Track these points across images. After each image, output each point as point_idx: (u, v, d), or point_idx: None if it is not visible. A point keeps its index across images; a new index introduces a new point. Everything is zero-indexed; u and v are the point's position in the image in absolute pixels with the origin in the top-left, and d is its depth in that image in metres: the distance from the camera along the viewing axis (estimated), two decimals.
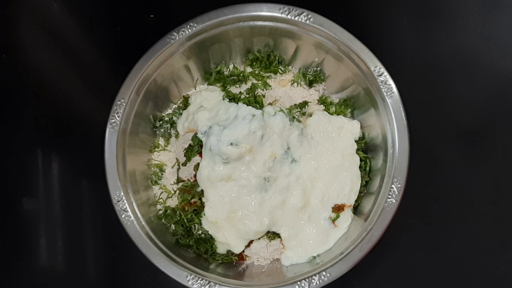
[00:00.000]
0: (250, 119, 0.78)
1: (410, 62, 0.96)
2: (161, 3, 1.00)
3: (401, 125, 0.77)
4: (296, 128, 0.82)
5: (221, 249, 0.84)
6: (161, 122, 0.90)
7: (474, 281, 0.89)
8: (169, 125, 0.90)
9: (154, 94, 0.85)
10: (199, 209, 0.84)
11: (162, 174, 0.89)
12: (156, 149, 0.89)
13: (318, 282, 0.73)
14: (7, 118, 0.97)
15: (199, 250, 0.83)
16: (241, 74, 0.91)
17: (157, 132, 0.90)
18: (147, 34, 0.96)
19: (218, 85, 0.91)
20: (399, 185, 0.76)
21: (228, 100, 0.85)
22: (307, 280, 0.73)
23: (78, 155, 0.94)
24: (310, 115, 0.87)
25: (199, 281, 0.73)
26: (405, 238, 0.90)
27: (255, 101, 0.86)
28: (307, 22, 0.80)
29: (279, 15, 0.80)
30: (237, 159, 0.78)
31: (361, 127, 0.86)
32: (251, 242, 0.84)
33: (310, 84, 0.91)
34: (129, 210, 0.77)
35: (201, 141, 0.81)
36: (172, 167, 0.88)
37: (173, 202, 0.87)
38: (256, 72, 0.91)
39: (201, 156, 0.82)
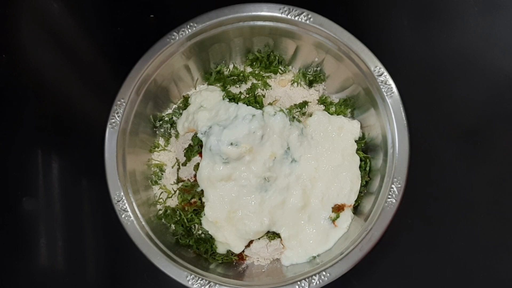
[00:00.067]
0: (250, 119, 0.78)
1: (410, 62, 0.96)
2: (161, 3, 1.00)
3: (401, 125, 0.77)
4: (296, 128, 0.82)
5: (221, 249, 0.84)
6: (161, 122, 0.90)
7: (474, 281, 0.89)
8: (169, 125, 0.90)
9: (154, 94, 0.85)
10: (199, 209, 0.84)
11: (162, 174, 0.89)
12: (156, 149, 0.89)
13: (318, 282, 0.73)
14: (7, 118, 0.97)
15: (199, 250, 0.83)
16: (241, 74, 0.91)
17: (157, 132, 0.90)
18: (147, 34, 0.96)
19: (218, 85, 0.91)
20: (399, 185, 0.76)
21: (228, 100, 0.85)
22: (307, 280, 0.73)
23: (78, 155, 0.94)
24: (310, 115, 0.87)
25: (199, 281, 0.73)
26: (405, 238, 0.90)
27: (255, 101, 0.86)
28: (307, 22, 0.80)
29: (279, 15, 0.80)
30: (237, 159, 0.78)
31: (361, 127, 0.86)
32: (251, 242, 0.84)
33: (310, 84, 0.91)
34: (129, 210, 0.77)
35: (201, 141, 0.81)
36: (172, 167, 0.88)
37: (173, 202, 0.87)
38: (256, 72, 0.91)
39: (201, 156, 0.82)
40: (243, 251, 0.83)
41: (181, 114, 0.89)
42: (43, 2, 1.00)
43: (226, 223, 0.81)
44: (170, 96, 0.90)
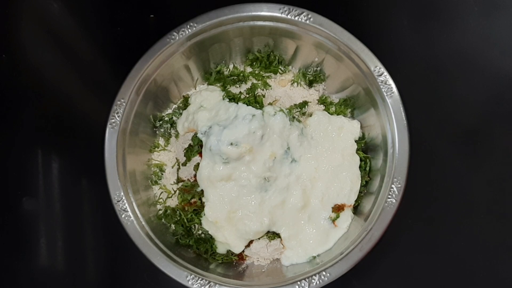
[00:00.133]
0: (250, 119, 0.78)
1: (410, 62, 0.96)
2: (161, 3, 1.00)
3: (401, 125, 0.77)
4: (296, 128, 0.82)
5: (221, 249, 0.84)
6: (161, 122, 0.90)
7: (474, 281, 0.89)
8: (169, 125, 0.90)
9: (154, 94, 0.85)
10: (199, 209, 0.84)
11: (162, 174, 0.89)
12: (156, 149, 0.89)
13: (318, 282, 0.73)
14: (7, 118, 0.97)
15: (199, 250, 0.83)
16: (241, 74, 0.91)
17: (157, 132, 0.90)
18: (147, 34, 0.96)
19: (218, 85, 0.91)
20: (399, 185, 0.76)
21: (228, 100, 0.85)
22: (307, 280, 0.73)
23: (78, 155, 0.94)
24: (310, 115, 0.87)
25: (199, 281, 0.73)
26: (405, 238, 0.90)
27: (255, 101, 0.86)
28: (307, 22, 0.80)
29: (279, 15, 0.80)
30: (237, 159, 0.78)
31: (361, 127, 0.86)
32: (251, 242, 0.84)
33: (310, 84, 0.91)
34: (129, 210, 0.77)
35: (201, 141, 0.81)
36: (172, 167, 0.88)
37: (173, 202, 0.87)
38: (256, 72, 0.91)
39: (201, 156, 0.82)
40: (243, 251, 0.83)
41: (181, 114, 0.89)
42: (43, 2, 1.00)
43: (226, 223, 0.81)
44: (170, 96, 0.90)
